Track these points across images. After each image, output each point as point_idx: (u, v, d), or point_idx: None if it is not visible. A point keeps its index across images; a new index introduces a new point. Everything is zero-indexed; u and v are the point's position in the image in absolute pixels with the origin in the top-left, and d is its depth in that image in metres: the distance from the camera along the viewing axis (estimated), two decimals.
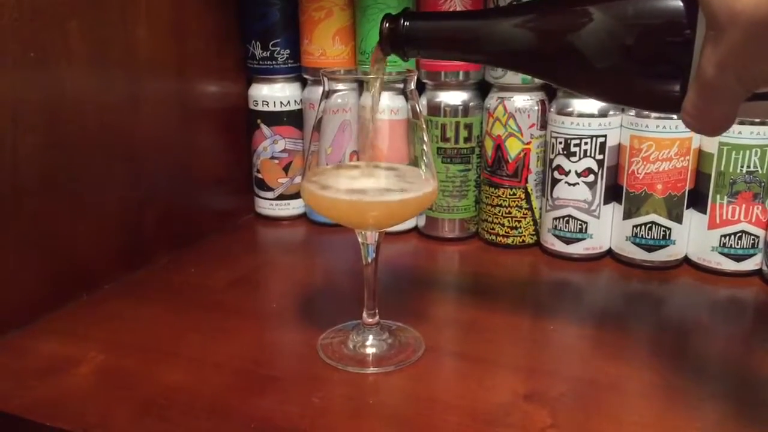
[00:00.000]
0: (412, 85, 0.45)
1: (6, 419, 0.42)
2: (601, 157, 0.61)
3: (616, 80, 0.37)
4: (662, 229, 0.61)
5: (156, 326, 0.52)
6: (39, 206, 0.52)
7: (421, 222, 0.71)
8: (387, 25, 0.42)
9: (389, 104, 0.46)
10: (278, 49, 0.71)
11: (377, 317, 0.49)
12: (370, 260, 0.48)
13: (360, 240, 0.47)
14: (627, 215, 0.62)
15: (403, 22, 0.42)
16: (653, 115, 0.58)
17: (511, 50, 0.39)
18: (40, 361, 0.47)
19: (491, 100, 0.65)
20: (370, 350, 0.48)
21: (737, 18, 0.31)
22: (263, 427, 0.40)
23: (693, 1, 0.34)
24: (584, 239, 0.63)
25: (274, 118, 0.73)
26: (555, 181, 0.63)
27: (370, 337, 0.49)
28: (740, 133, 0.57)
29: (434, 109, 0.66)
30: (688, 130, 0.58)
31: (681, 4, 0.34)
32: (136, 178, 0.61)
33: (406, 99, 0.46)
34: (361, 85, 0.46)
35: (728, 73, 0.32)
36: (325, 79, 0.45)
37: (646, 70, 0.36)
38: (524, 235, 0.67)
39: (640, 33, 0.35)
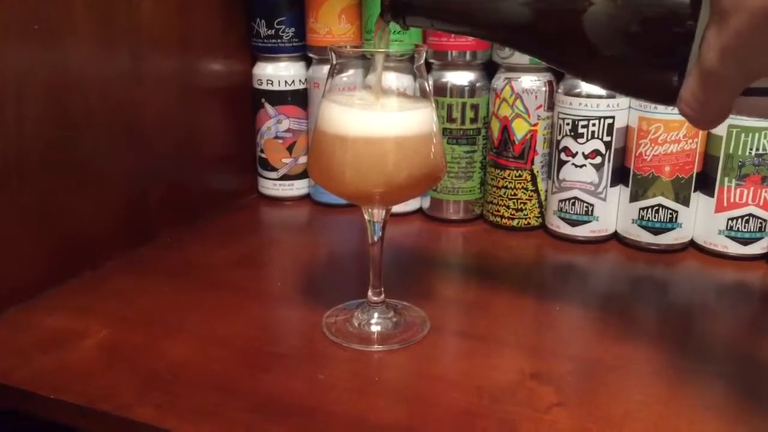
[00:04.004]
0: (421, 61, 0.45)
1: (10, 392, 0.42)
2: (608, 138, 0.61)
3: (613, 66, 0.36)
4: (669, 211, 0.61)
5: (160, 302, 0.52)
6: (42, 180, 0.52)
7: (426, 204, 0.71)
8: None
9: (396, 83, 0.45)
10: (283, 27, 0.70)
11: (383, 296, 0.49)
12: (376, 239, 0.47)
13: (366, 217, 0.47)
14: (634, 198, 0.62)
15: None
16: None
17: (510, 27, 0.38)
18: (44, 335, 0.47)
19: (498, 81, 0.64)
20: (375, 328, 0.48)
21: (744, 3, 0.30)
22: (269, 403, 0.40)
23: None
24: (590, 222, 0.63)
25: (278, 98, 0.72)
26: (562, 163, 0.63)
27: (375, 315, 0.48)
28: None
29: (440, 89, 0.66)
30: None
31: None
32: (139, 155, 0.61)
33: (414, 77, 0.45)
34: (368, 64, 0.45)
35: (730, 60, 0.31)
36: (333, 54, 0.45)
37: (645, 59, 0.35)
38: (529, 218, 0.66)
39: (641, 20, 0.34)
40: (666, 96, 0.35)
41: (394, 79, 0.45)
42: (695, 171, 0.60)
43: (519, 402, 0.40)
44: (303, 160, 0.74)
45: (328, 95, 0.44)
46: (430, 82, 0.66)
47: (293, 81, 0.72)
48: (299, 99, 0.73)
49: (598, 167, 0.61)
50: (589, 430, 0.37)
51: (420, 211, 0.72)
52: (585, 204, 0.63)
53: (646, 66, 0.35)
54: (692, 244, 0.63)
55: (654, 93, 0.36)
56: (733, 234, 0.60)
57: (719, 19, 0.31)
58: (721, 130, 0.58)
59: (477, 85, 0.66)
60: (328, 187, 0.46)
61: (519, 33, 0.39)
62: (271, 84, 0.72)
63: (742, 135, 0.57)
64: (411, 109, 0.44)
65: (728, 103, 0.33)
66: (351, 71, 0.45)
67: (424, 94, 0.45)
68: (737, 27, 0.31)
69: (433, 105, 0.45)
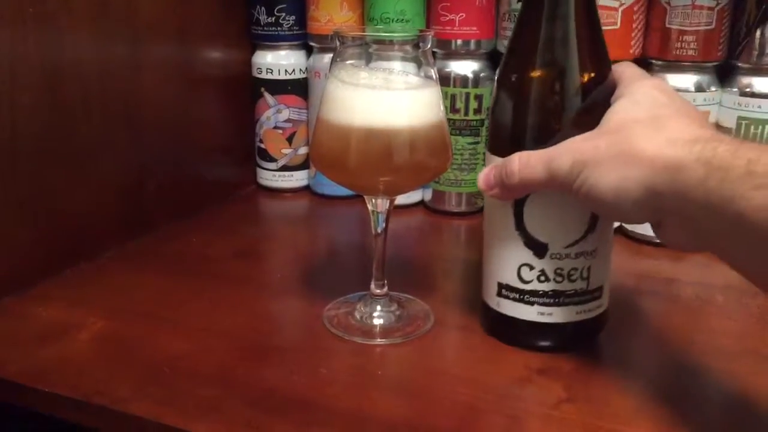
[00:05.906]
0: (427, 47, 0.43)
1: (4, 385, 0.41)
2: None
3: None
4: None
5: (158, 294, 0.51)
6: (37, 169, 0.51)
7: (428, 196, 0.70)
8: None
9: (401, 70, 0.44)
10: (283, 14, 0.69)
11: (386, 288, 0.48)
12: (379, 230, 0.46)
13: (370, 208, 0.46)
14: None
15: None
16: None
17: None
18: (39, 326, 0.46)
19: None
20: (378, 321, 0.47)
21: (619, 140, 0.34)
22: (269, 397, 0.39)
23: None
24: None
25: (278, 87, 0.71)
26: None
27: (378, 308, 0.47)
28: (760, 107, 0.55)
29: (444, 79, 0.64)
30: (706, 103, 0.57)
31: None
32: (136, 144, 0.59)
33: (419, 64, 0.44)
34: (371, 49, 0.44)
35: (570, 159, 0.35)
36: (338, 39, 0.43)
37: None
38: None
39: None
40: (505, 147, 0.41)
41: (398, 66, 0.44)
42: None
43: (527, 398, 0.39)
44: (303, 150, 0.73)
45: (332, 73, 0.43)
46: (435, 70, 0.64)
47: (293, 70, 0.71)
48: (299, 88, 0.71)
49: None
50: (599, 427, 0.36)
51: (421, 203, 0.71)
52: None
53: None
54: None
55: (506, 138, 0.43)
56: None
57: (597, 132, 0.35)
58: (730, 122, 0.57)
59: (481, 75, 0.64)
60: (331, 174, 0.45)
61: None
62: (271, 73, 0.71)
63: (752, 127, 0.56)
64: (418, 88, 0.43)
65: (527, 186, 0.39)
66: (354, 57, 0.44)
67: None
68: (604, 145, 0.34)
69: (440, 94, 0.44)
